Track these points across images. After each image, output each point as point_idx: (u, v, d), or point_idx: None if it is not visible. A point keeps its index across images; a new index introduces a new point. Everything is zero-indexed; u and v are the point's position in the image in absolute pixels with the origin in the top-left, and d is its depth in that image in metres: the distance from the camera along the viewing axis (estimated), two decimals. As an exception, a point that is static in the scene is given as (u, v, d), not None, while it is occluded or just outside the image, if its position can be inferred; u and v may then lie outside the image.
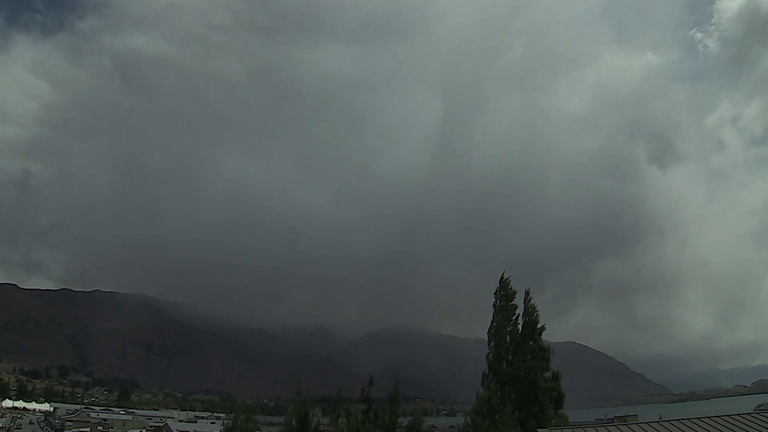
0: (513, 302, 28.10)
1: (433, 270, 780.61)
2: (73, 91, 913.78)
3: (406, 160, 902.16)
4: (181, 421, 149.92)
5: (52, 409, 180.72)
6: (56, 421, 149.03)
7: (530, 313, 27.62)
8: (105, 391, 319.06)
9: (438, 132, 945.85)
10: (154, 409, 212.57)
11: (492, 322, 28.17)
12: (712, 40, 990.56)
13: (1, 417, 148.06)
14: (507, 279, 28.55)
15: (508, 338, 27.50)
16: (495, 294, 28.48)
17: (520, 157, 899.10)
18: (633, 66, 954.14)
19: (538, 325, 27.42)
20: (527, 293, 27.99)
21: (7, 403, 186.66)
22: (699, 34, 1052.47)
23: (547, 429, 22.91)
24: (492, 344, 27.81)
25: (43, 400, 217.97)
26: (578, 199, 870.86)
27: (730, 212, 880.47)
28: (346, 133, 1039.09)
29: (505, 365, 27.10)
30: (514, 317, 27.86)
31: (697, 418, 20.63)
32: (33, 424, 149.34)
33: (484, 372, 27.51)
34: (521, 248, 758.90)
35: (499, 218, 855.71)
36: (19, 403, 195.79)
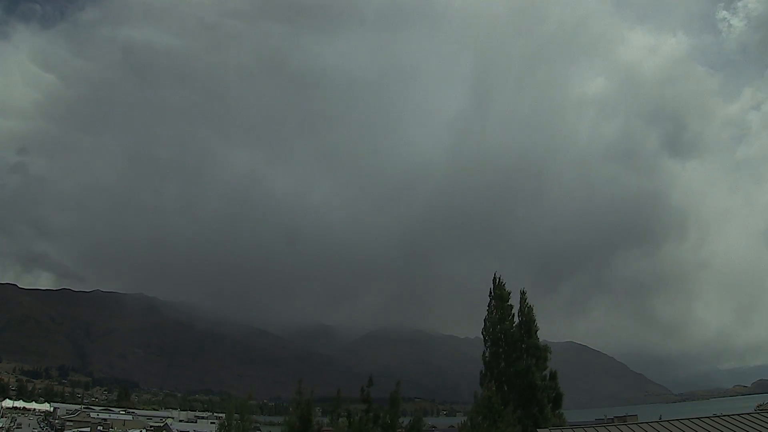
0: (508, 302, 28.33)
1: (435, 270, 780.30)
2: (77, 82, 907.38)
3: (420, 158, 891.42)
4: (181, 421, 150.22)
5: (52, 409, 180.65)
6: (56, 421, 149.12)
7: (526, 312, 27.83)
8: (105, 391, 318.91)
9: (457, 125, 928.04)
10: (154, 409, 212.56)
11: (486, 322, 28.40)
12: (737, 20, 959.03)
13: (1, 417, 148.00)
14: (500, 278, 28.81)
15: (503, 337, 27.63)
16: (489, 294, 28.72)
17: (537, 151, 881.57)
18: (657, 47, 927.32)
19: (534, 324, 27.60)
20: (523, 293, 28.30)
21: (7, 403, 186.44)
22: (724, 13, 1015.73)
23: (546, 429, 22.91)
24: (488, 344, 28.02)
25: (43, 400, 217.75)
26: (593, 194, 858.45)
27: (750, 207, 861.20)
28: (358, 130, 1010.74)
29: (502, 364, 27.21)
30: (510, 316, 28.08)
31: (697, 418, 20.60)
32: (34, 425, 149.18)
33: (481, 371, 27.66)
34: (525, 247, 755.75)
35: (509, 216, 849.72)
36: (19, 403, 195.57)
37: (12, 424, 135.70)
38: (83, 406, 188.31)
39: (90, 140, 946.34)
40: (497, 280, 28.87)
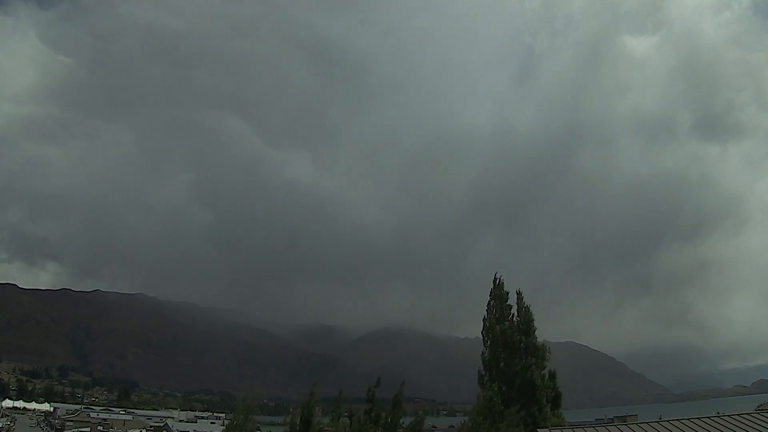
0: (507, 302, 28.45)
1: (445, 270, 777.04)
2: (91, 65, 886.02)
3: (460, 145, 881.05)
4: (181, 421, 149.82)
5: (52, 409, 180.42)
6: (56, 421, 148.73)
7: (524, 312, 27.95)
8: (105, 391, 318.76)
9: (502, 103, 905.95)
10: (154, 409, 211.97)
11: (486, 322, 28.50)
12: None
13: (1, 417, 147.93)
14: (500, 279, 28.95)
15: (502, 337, 27.70)
16: (490, 294, 28.86)
17: (583, 126, 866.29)
18: (723, 6, 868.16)
19: (533, 324, 27.68)
20: (519, 293, 28.44)
21: (7, 403, 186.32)
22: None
23: (546, 429, 22.91)
24: (487, 343, 28.10)
25: (43, 400, 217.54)
26: (621, 179, 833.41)
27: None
28: (399, 116, 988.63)
29: (501, 364, 27.25)
30: (509, 317, 28.20)
31: (697, 418, 20.59)
32: (34, 425, 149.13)
33: (479, 371, 27.72)
34: (542, 246, 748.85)
35: (534, 209, 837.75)
36: (19, 403, 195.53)
37: (12, 424, 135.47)
38: (83, 406, 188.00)
39: (100, 127, 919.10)
40: (497, 280, 29.06)
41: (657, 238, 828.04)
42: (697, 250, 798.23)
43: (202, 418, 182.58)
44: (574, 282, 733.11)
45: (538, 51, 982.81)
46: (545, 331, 28.36)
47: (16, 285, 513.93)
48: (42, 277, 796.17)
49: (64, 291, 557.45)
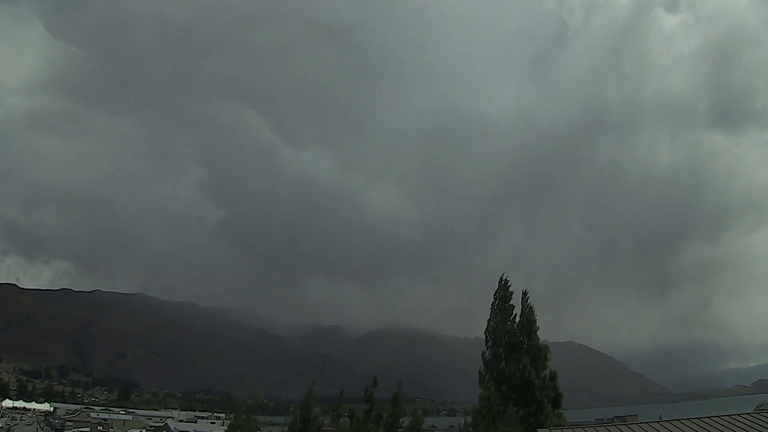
0: (510, 302, 28.45)
1: (447, 270, 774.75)
2: (98, 57, 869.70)
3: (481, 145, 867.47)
4: (181, 421, 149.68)
5: (52, 409, 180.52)
6: (56, 421, 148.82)
7: (527, 313, 27.93)
8: (105, 391, 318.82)
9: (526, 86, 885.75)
10: (154, 409, 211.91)
11: (489, 322, 28.49)
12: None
13: (1, 417, 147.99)
14: (506, 279, 28.91)
15: (504, 337, 27.69)
16: (494, 295, 28.83)
17: (607, 111, 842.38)
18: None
19: (535, 324, 27.70)
20: (525, 293, 28.38)
21: (7, 403, 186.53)
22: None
23: (546, 429, 22.94)
24: (489, 343, 28.11)
25: (43, 400, 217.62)
26: (630, 172, 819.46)
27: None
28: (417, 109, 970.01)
29: (502, 365, 27.27)
30: (512, 317, 28.19)
31: (697, 418, 20.61)
32: (32, 424, 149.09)
33: (480, 371, 27.73)
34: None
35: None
36: (19, 403, 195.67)
37: (12, 424, 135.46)
38: (83, 406, 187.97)
39: (108, 120, 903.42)
40: (503, 280, 29.03)
41: (672, 238, 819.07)
42: (715, 246, 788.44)
43: (202, 418, 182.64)
44: (576, 283, 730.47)
45: (572, 27, 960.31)
46: (545, 331, 28.35)
47: (16, 285, 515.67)
48: (43, 274, 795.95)
49: (64, 291, 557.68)
